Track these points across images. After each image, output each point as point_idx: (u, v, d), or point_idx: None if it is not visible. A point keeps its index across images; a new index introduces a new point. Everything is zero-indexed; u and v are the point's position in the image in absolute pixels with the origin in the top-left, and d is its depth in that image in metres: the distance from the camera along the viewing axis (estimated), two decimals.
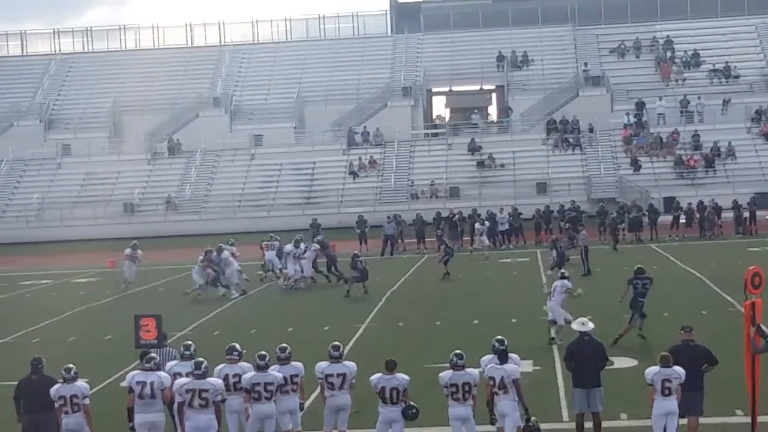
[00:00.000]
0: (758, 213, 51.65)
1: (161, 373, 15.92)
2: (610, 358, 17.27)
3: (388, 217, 49.73)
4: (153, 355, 16.33)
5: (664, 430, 15.20)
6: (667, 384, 15.18)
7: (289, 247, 36.95)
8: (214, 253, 36.13)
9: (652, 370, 15.28)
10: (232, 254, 37.15)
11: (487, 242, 46.60)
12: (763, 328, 16.12)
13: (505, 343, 15.87)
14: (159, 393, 15.62)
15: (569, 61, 77.50)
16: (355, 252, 38.05)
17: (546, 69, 76.81)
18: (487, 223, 48.35)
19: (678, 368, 15.27)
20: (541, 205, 54.15)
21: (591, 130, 68.89)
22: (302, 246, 36.99)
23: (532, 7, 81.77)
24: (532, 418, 15.67)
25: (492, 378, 15.51)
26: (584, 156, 67.62)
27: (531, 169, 66.31)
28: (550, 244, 39.07)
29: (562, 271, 26.62)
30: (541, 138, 69.54)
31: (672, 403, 15.17)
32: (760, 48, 76.53)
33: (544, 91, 73.98)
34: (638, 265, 25.24)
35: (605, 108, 71.37)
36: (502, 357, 15.57)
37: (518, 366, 15.70)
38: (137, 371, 15.93)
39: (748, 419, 16.43)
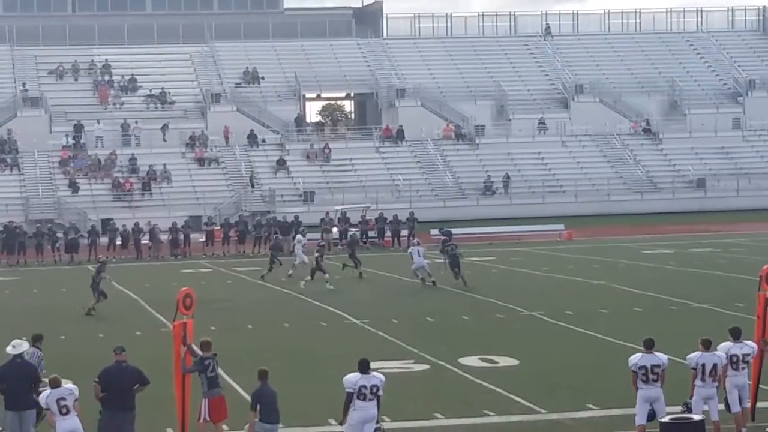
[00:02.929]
0: (192, 235, 53.54)
1: None
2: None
3: None
4: None
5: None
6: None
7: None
8: None
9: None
10: None
11: None
12: (194, 348, 17.04)
13: None
14: None
15: (7, 80, 76.08)
16: None
17: None
18: None
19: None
20: None
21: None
22: None
23: None
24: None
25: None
26: (22, 176, 66.73)
27: None
28: None
29: None
30: None
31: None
32: (194, 76, 79.14)
33: None
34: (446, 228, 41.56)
35: (44, 129, 70.83)
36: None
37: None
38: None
39: None
